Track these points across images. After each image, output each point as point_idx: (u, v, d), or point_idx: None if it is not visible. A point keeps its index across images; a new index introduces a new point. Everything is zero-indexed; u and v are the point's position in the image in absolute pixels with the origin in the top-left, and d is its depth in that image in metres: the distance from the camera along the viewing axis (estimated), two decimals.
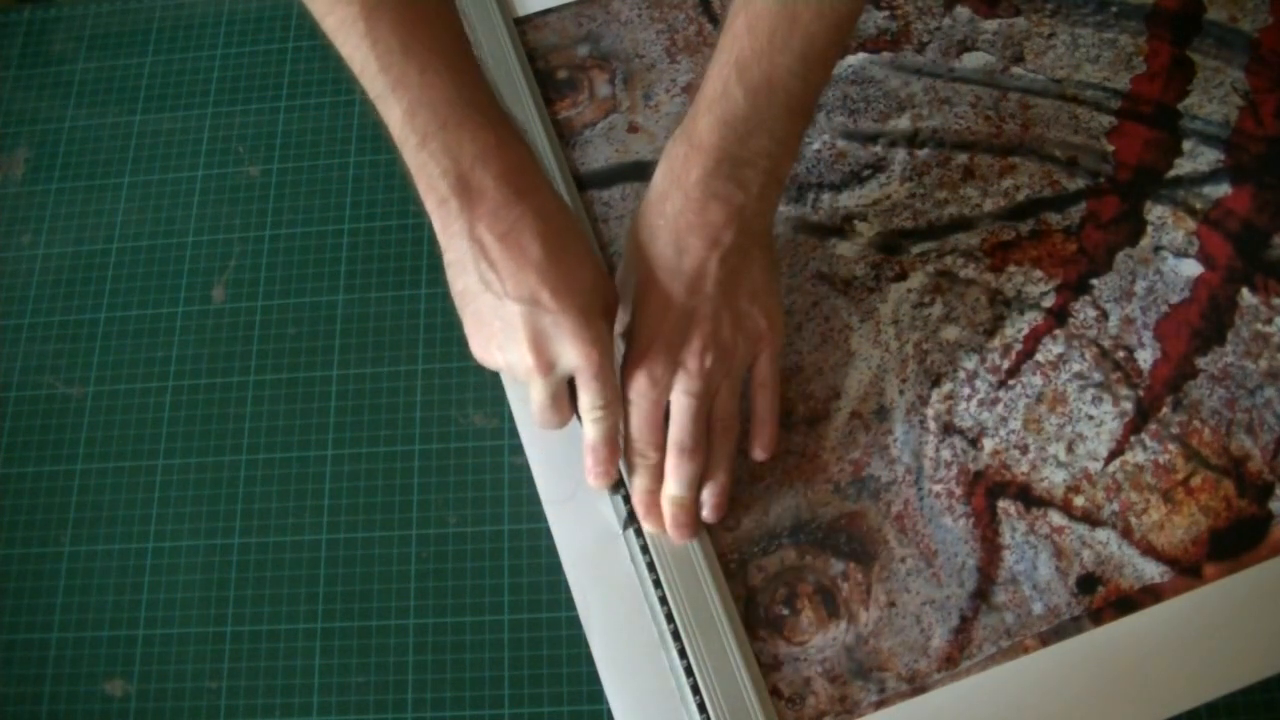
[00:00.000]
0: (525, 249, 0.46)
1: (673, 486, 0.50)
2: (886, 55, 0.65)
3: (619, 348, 0.52)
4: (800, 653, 0.51)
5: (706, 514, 0.52)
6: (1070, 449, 0.54)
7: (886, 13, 0.66)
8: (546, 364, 0.47)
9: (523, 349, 0.47)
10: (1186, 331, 0.56)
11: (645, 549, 0.52)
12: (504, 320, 0.47)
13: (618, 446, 0.51)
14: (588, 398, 0.49)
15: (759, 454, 0.53)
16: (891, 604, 0.51)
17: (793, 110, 0.49)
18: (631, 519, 0.53)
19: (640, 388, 0.49)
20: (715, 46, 0.50)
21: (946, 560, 0.52)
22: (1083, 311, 0.57)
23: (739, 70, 0.48)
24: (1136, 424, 0.54)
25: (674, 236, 0.49)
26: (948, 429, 0.55)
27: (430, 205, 0.48)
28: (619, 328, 0.52)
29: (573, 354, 0.47)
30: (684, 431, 0.49)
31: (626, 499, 0.53)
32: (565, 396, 0.50)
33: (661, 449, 0.50)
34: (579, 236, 0.49)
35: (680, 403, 0.49)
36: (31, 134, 0.68)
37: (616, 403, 0.49)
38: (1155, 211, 0.59)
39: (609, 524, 0.54)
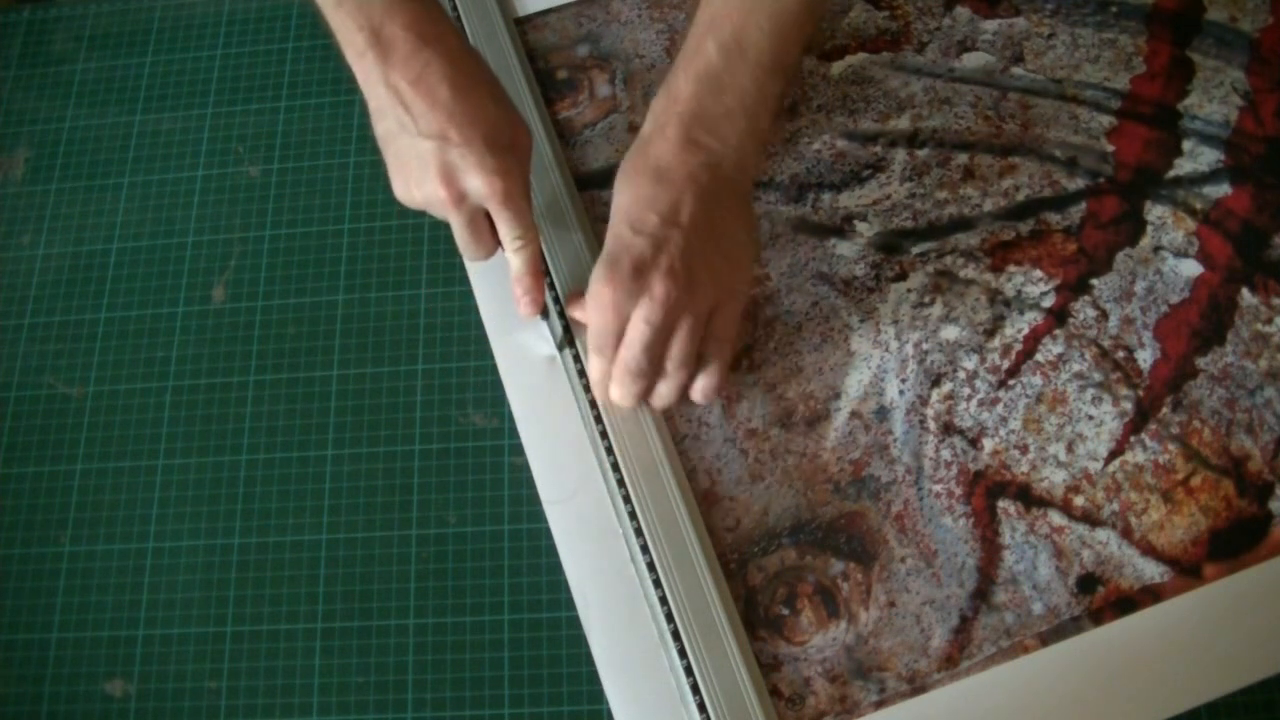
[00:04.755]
0: (434, 91, 0.50)
1: (615, 392, 0.52)
2: (886, 55, 0.65)
3: (535, 189, 0.56)
4: (800, 653, 0.51)
5: (655, 411, 0.54)
6: (1070, 449, 0.54)
7: (886, 13, 0.66)
8: (457, 195, 0.50)
9: (435, 183, 0.50)
10: (1186, 331, 0.56)
11: (646, 549, 0.52)
12: (418, 158, 0.50)
13: (541, 275, 0.54)
14: (503, 228, 0.52)
15: (698, 397, 0.53)
16: (891, 604, 0.51)
17: (764, 67, 0.52)
18: (567, 339, 0.56)
19: (603, 297, 0.50)
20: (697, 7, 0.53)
21: (946, 560, 0.52)
22: (1083, 311, 0.57)
23: (712, 27, 0.52)
24: (1136, 424, 0.55)
25: (655, 174, 0.51)
26: (948, 429, 0.55)
27: (351, 58, 0.51)
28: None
29: (478, 183, 0.50)
30: (633, 357, 0.50)
31: (561, 316, 0.56)
32: (484, 228, 0.53)
33: (615, 350, 0.51)
34: (485, 77, 0.52)
35: (637, 329, 0.50)
36: (31, 134, 0.68)
37: (532, 231, 0.52)
38: (1155, 211, 0.59)
39: (607, 521, 0.54)
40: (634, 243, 0.50)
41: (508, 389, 0.57)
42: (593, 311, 0.51)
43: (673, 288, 0.49)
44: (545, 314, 0.57)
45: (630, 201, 0.51)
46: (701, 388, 0.53)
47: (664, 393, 0.52)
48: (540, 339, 0.58)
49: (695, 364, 0.52)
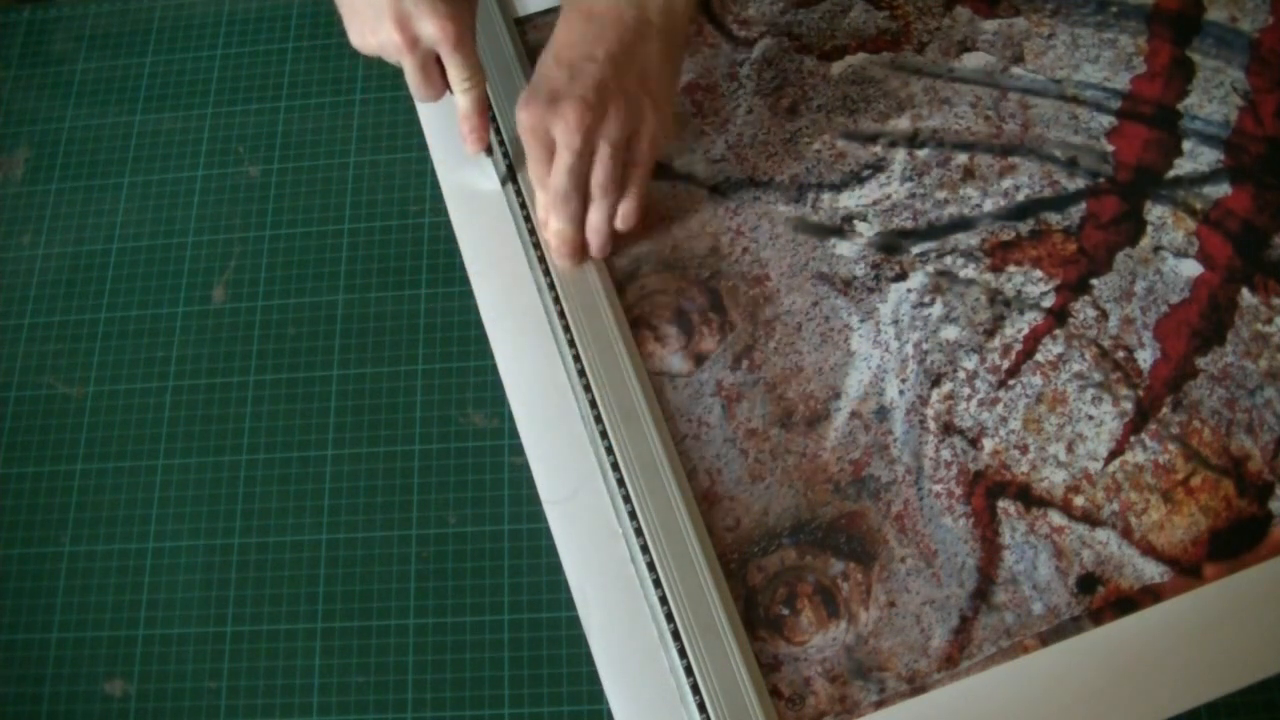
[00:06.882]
0: None
1: (554, 221, 0.57)
2: (886, 55, 0.65)
3: (481, 32, 0.60)
4: (800, 653, 0.51)
5: (593, 251, 0.58)
6: (1070, 449, 0.54)
7: (886, 13, 0.66)
8: (411, 39, 0.54)
9: (390, 29, 0.53)
10: (1186, 331, 0.56)
11: (646, 549, 0.52)
12: (373, 7, 0.54)
13: (486, 115, 0.59)
14: (453, 69, 0.56)
15: (619, 224, 0.58)
16: (891, 604, 0.51)
17: None
18: (510, 175, 0.62)
19: (521, 120, 0.54)
20: None
21: (946, 560, 0.52)
22: (1083, 311, 0.57)
23: None
24: (1136, 424, 0.55)
25: (586, 14, 0.54)
26: (948, 429, 0.55)
27: None
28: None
29: (431, 27, 0.53)
30: (559, 180, 0.55)
31: (505, 155, 0.62)
32: (434, 72, 0.56)
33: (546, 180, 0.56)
34: None
35: (558, 154, 0.54)
36: (31, 134, 0.68)
37: (479, 73, 0.57)
38: (1155, 211, 0.59)
39: (607, 521, 0.54)
40: (552, 72, 0.54)
41: (507, 388, 0.57)
42: (522, 136, 0.55)
43: (584, 112, 0.52)
44: (489, 151, 0.61)
45: (560, 38, 0.55)
46: (622, 213, 0.57)
47: (595, 221, 0.57)
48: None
49: (619, 190, 0.56)
